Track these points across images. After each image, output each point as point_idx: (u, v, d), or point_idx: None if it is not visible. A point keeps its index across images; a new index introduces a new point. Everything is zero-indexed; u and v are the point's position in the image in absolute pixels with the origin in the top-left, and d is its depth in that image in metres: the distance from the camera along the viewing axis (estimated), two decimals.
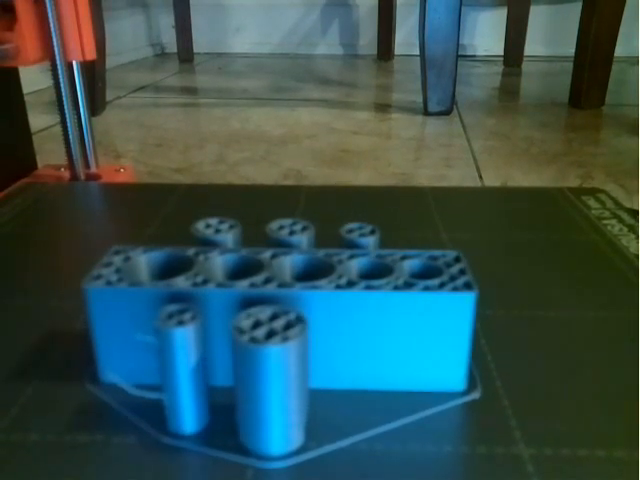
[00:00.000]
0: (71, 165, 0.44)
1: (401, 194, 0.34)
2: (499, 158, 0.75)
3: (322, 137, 0.85)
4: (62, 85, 0.43)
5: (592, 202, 0.33)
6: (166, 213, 0.32)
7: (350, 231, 0.22)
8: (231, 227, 0.22)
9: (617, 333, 0.22)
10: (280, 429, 0.16)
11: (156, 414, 0.17)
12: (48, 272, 0.26)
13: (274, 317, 0.16)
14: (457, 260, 0.19)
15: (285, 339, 0.15)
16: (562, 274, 0.25)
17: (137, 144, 0.82)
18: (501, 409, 0.18)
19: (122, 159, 0.75)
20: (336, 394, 0.18)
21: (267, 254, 0.20)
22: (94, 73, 0.94)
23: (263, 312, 0.16)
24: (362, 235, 0.22)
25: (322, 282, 0.18)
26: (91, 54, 0.43)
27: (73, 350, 0.21)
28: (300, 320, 0.16)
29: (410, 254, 0.19)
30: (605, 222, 0.30)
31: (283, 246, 0.21)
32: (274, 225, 0.22)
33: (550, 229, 0.29)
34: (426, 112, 0.96)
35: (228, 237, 0.22)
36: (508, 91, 1.23)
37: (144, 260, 0.20)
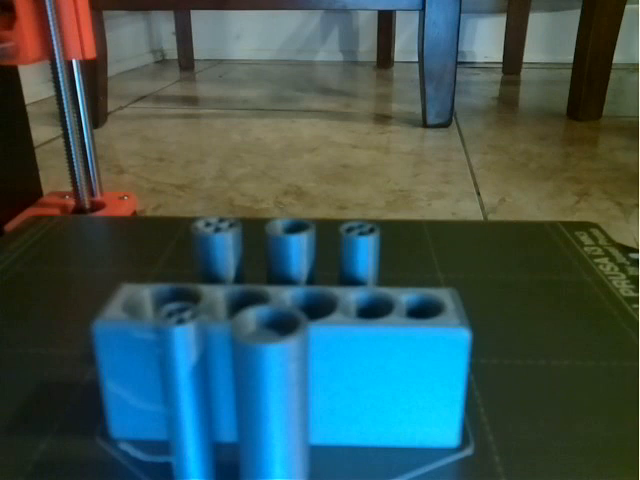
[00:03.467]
0: (76, 193, 0.45)
1: (398, 229, 0.35)
2: (497, 174, 0.76)
3: (322, 150, 0.86)
4: (62, 86, 0.43)
5: (585, 238, 0.34)
6: (172, 249, 0.33)
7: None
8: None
9: (615, 384, 0.22)
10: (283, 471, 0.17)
11: (165, 471, 0.18)
12: (56, 318, 0.27)
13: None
14: (451, 298, 0.19)
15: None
16: (556, 320, 0.26)
17: (139, 158, 0.83)
18: (492, 466, 0.19)
19: (125, 174, 0.76)
20: (333, 451, 0.19)
21: (269, 289, 0.20)
22: (95, 86, 0.95)
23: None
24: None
25: (322, 319, 0.18)
26: (91, 53, 0.43)
27: (84, 401, 0.21)
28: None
29: (406, 292, 0.20)
30: (597, 261, 0.31)
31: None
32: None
33: (545, 269, 0.30)
34: (425, 124, 0.96)
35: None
36: (507, 101, 1.24)
37: (149, 298, 0.20)
